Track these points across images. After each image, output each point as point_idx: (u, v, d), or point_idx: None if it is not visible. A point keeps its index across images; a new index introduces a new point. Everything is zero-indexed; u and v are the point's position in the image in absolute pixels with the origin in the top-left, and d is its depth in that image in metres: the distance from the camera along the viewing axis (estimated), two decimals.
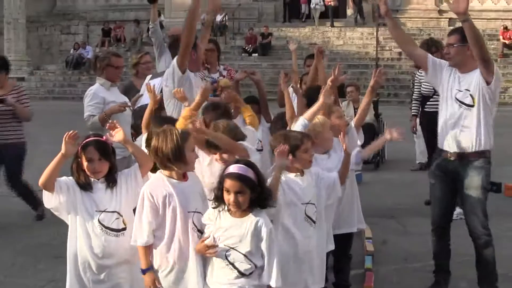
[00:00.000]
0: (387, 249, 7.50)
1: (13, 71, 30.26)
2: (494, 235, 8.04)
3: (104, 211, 4.55)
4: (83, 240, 4.58)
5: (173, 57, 6.81)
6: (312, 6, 33.77)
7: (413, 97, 9.99)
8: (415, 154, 11.77)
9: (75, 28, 36.53)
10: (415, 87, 9.92)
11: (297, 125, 5.22)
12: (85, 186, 4.57)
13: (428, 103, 9.42)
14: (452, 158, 5.96)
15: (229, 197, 4.16)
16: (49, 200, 4.56)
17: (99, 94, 7.31)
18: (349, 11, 35.26)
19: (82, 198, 4.57)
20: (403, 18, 32.58)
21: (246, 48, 31.15)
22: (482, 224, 6.02)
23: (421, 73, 9.39)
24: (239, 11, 33.63)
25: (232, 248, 4.19)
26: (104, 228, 4.55)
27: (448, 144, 5.96)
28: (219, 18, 32.85)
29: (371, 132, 11.97)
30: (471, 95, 5.82)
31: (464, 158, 5.91)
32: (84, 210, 4.56)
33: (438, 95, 8.84)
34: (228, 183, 4.17)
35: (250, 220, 4.21)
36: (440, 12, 33.87)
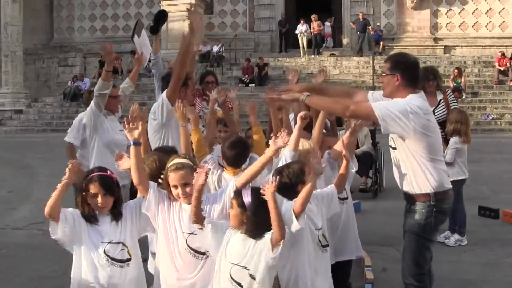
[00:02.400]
0: (386, 277, 7.51)
1: (10, 103, 31.03)
2: (493, 261, 8.11)
3: (109, 242, 4.57)
4: (88, 271, 4.59)
5: (163, 90, 6.91)
6: (297, 33, 33.71)
7: None
8: None
9: (72, 60, 36.66)
10: None
11: (286, 156, 5.23)
12: (90, 219, 4.61)
13: None
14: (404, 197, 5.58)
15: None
16: (54, 230, 4.58)
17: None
18: (345, 40, 35.49)
19: (87, 229, 4.60)
20: (398, 46, 32.78)
21: (243, 78, 31.29)
22: (409, 272, 5.47)
23: None
24: (235, 41, 33.84)
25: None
26: (109, 259, 4.57)
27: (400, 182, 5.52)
28: (215, 49, 33.05)
29: (368, 160, 12.05)
30: (393, 139, 5.43)
31: (407, 199, 5.52)
32: (89, 241, 4.59)
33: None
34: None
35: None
36: (436, 40, 34.16)
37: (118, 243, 4.58)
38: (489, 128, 25.57)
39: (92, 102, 7.32)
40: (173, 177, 4.49)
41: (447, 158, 8.78)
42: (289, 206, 4.57)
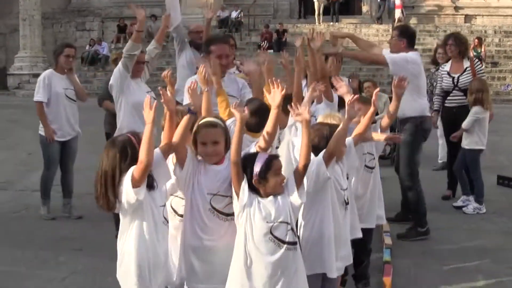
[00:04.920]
0: (404, 243, 7.53)
1: (28, 67, 31.13)
2: (511, 230, 8.11)
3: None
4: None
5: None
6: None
7: (436, 92, 9.94)
8: (435, 151, 11.78)
9: (90, 25, 36.54)
10: (438, 82, 9.89)
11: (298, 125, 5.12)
12: None
13: (448, 98, 9.45)
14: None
15: (280, 177, 4.26)
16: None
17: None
18: (365, 8, 35.18)
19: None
20: (418, 15, 32.49)
21: (261, 44, 31.15)
22: (405, 173, 7.72)
23: (443, 67, 9.46)
24: (254, 7, 33.61)
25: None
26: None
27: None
28: (234, 14, 32.88)
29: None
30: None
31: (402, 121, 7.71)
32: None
33: (457, 90, 9.02)
34: (277, 163, 4.26)
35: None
36: (456, 8, 33.77)
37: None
38: (509, 98, 25.38)
39: (120, 63, 7.29)
40: (204, 134, 4.45)
41: (464, 124, 8.87)
42: (315, 158, 4.59)
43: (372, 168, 6.06)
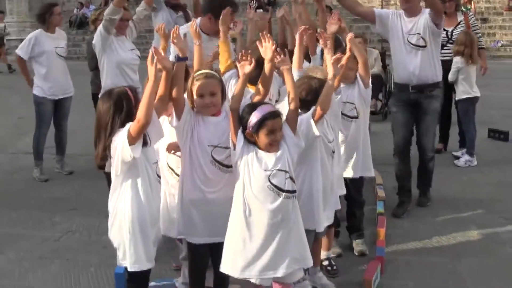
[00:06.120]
0: (396, 196, 7.59)
1: (16, 32, 30.77)
2: (502, 182, 8.18)
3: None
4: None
5: None
6: None
7: None
8: None
9: None
10: None
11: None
12: None
13: (442, 51, 9.43)
14: (412, 90, 6.97)
15: (271, 137, 4.19)
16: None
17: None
18: None
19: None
20: None
21: (251, 4, 30.80)
22: (432, 148, 7.21)
23: None
24: None
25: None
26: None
27: (410, 78, 6.94)
28: None
29: (378, 83, 12.02)
30: (422, 38, 6.82)
31: (423, 89, 6.96)
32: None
33: (451, 43, 9.04)
34: (271, 123, 4.18)
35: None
36: None
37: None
38: (498, 54, 25.35)
39: (101, 25, 7.30)
40: (201, 85, 4.42)
41: (449, 77, 9.01)
42: (304, 116, 4.58)
43: (352, 117, 5.93)
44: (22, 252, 6.24)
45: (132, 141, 3.99)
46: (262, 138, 4.19)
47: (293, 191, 4.25)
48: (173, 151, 4.75)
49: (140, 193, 4.18)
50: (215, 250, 4.52)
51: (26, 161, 9.56)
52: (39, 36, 8.76)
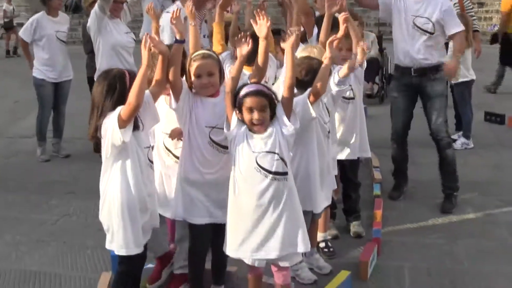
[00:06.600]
0: (391, 179, 7.61)
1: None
2: (498, 164, 8.20)
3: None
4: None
5: None
6: None
7: None
8: None
9: None
10: None
11: None
12: None
13: None
14: (415, 74, 6.76)
15: (250, 116, 4.13)
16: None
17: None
18: None
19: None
20: None
21: None
22: (445, 128, 6.82)
23: None
24: None
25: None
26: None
27: (412, 61, 6.74)
28: None
29: (375, 66, 12.02)
30: (432, 23, 6.61)
31: (426, 72, 6.74)
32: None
33: None
34: (249, 101, 4.12)
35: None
36: None
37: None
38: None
39: (96, 5, 7.31)
40: (198, 66, 4.41)
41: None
42: (300, 97, 4.56)
43: (349, 99, 5.91)
44: (19, 235, 6.25)
45: (122, 124, 3.97)
46: (245, 115, 4.16)
47: (283, 173, 4.17)
48: (176, 139, 4.74)
49: (129, 177, 4.15)
50: (217, 231, 4.53)
51: (22, 146, 9.60)
52: (40, 19, 8.80)
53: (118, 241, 4.21)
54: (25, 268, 5.52)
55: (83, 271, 5.46)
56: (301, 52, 5.16)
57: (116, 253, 4.27)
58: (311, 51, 5.16)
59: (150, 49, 4.10)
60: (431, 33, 6.62)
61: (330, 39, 4.73)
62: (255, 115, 4.12)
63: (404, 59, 6.80)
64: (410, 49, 6.71)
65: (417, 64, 6.73)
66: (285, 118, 4.17)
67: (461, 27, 6.70)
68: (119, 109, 4.00)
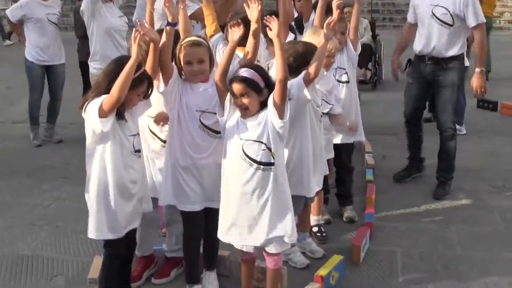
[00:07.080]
0: (386, 163, 7.62)
1: (2, 2, 30.33)
2: (491, 151, 8.22)
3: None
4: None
5: None
6: None
7: None
8: None
9: None
10: None
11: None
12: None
13: None
14: (429, 62, 6.71)
15: (235, 101, 4.12)
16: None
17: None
18: None
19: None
20: None
21: None
22: (451, 119, 6.74)
23: None
24: None
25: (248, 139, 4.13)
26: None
27: (428, 49, 6.67)
28: None
29: (368, 52, 12.00)
30: (451, 15, 6.47)
31: (439, 61, 6.67)
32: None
33: None
34: (232, 86, 4.11)
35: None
36: None
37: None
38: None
39: None
40: (189, 53, 4.40)
41: None
42: (295, 80, 4.54)
43: (344, 82, 5.96)
44: (12, 219, 6.25)
45: (102, 114, 3.95)
46: (233, 100, 4.16)
47: (269, 163, 4.10)
48: (161, 123, 4.70)
49: (107, 163, 4.13)
50: (209, 215, 4.53)
51: (14, 131, 9.57)
52: (30, 2, 8.75)
53: (91, 224, 4.24)
54: (18, 252, 5.52)
55: (76, 255, 5.48)
56: (311, 36, 5.17)
57: (89, 236, 4.30)
58: (318, 34, 5.15)
59: (140, 45, 4.08)
60: (450, 25, 6.49)
61: (327, 21, 4.71)
62: (242, 101, 4.10)
63: (420, 46, 6.75)
64: (427, 37, 6.65)
65: (433, 53, 6.65)
66: (273, 115, 4.05)
67: (479, 19, 6.47)
68: (103, 98, 3.99)
